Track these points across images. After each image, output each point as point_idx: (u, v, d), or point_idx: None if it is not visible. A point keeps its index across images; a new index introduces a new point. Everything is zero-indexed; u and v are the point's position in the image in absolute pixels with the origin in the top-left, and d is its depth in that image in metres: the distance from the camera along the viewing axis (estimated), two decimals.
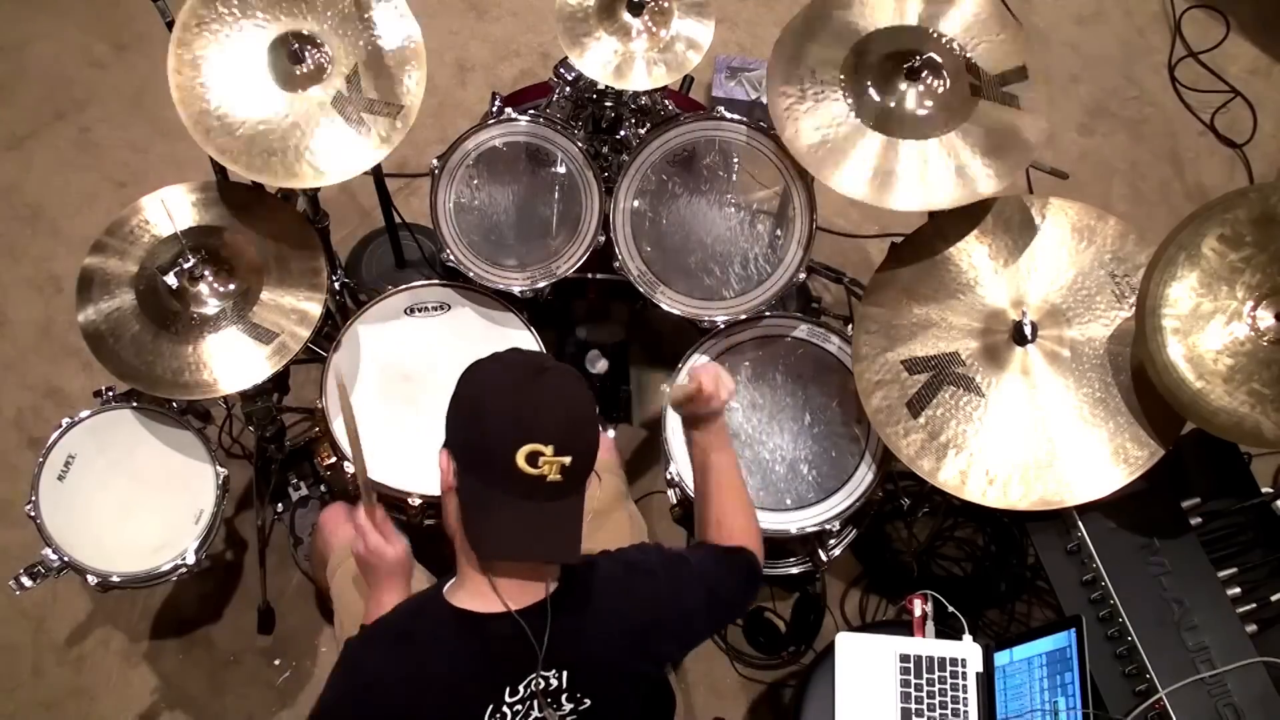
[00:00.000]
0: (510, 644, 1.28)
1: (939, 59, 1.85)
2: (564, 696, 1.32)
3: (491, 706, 1.29)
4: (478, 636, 1.29)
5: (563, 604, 1.30)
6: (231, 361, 1.87)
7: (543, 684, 1.31)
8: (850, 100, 1.86)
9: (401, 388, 2.01)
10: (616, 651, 1.36)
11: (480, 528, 1.28)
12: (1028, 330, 1.79)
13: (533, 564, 1.30)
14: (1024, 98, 1.86)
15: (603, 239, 2.05)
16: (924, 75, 1.84)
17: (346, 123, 1.86)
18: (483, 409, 1.28)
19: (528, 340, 2.07)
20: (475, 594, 1.30)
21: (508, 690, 1.29)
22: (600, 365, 2.28)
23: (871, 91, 1.86)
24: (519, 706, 1.30)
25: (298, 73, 1.88)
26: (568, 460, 1.24)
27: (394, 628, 1.35)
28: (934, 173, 1.81)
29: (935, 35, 1.89)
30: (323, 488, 2.38)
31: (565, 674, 1.32)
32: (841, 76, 1.87)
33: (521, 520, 1.26)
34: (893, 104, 1.85)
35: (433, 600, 1.34)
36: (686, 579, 1.44)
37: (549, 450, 1.23)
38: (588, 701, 1.34)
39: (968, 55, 1.87)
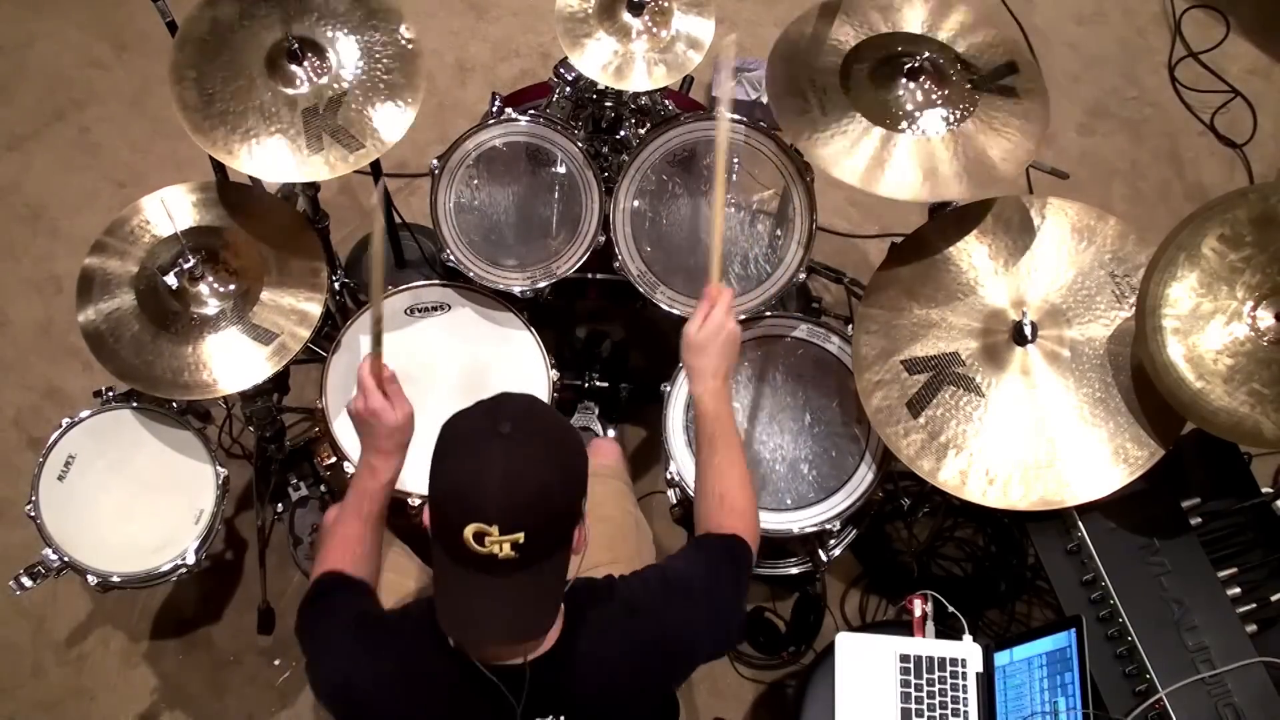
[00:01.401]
0: (499, 691, 1.26)
1: (938, 58, 1.85)
2: None
3: None
4: (469, 677, 1.26)
5: (563, 654, 1.28)
6: (231, 362, 1.87)
7: None
8: (853, 102, 1.86)
9: (401, 387, 2.00)
10: (615, 697, 1.34)
11: (439, 598, 1.24)
12: (1028, 330, 1.79)
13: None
14: (1023, 89, 1.85)
15: (603, 239, 2.05)
16: (922, 77, 1.84)
17: (301, 134, 1.85)
18: (435, 474, 1.22)
19: (528, 340, 2.07)
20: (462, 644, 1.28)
21: None
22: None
23: (871, 89, 1.86)
24: None
25: (290, 70, 1.88)
26: (519, 537, 1.17)
27: (392, 634, 1.32)
28: (933, 172, 1.81)
29: (929, 38, 1.89)
30: (323, 488, 2.38)
31: (563, 718, 1.30)
32: (840, 82, 1.87)
33: (474, 598, 1.20)
34: (892, 101, 1.85)
35: (429, 627, 1.28)
36: (690, 610, 1.38)
37: (494, 530, 1.16)
38: None
39: (959, 53, 1.87)
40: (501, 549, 1.17)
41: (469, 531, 1.16)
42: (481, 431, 1.21)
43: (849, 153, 1.81)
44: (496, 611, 1.21)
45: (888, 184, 1.79)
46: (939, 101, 1.84)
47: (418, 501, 1.90)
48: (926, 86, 1.84)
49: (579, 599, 1.33)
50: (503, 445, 1.19)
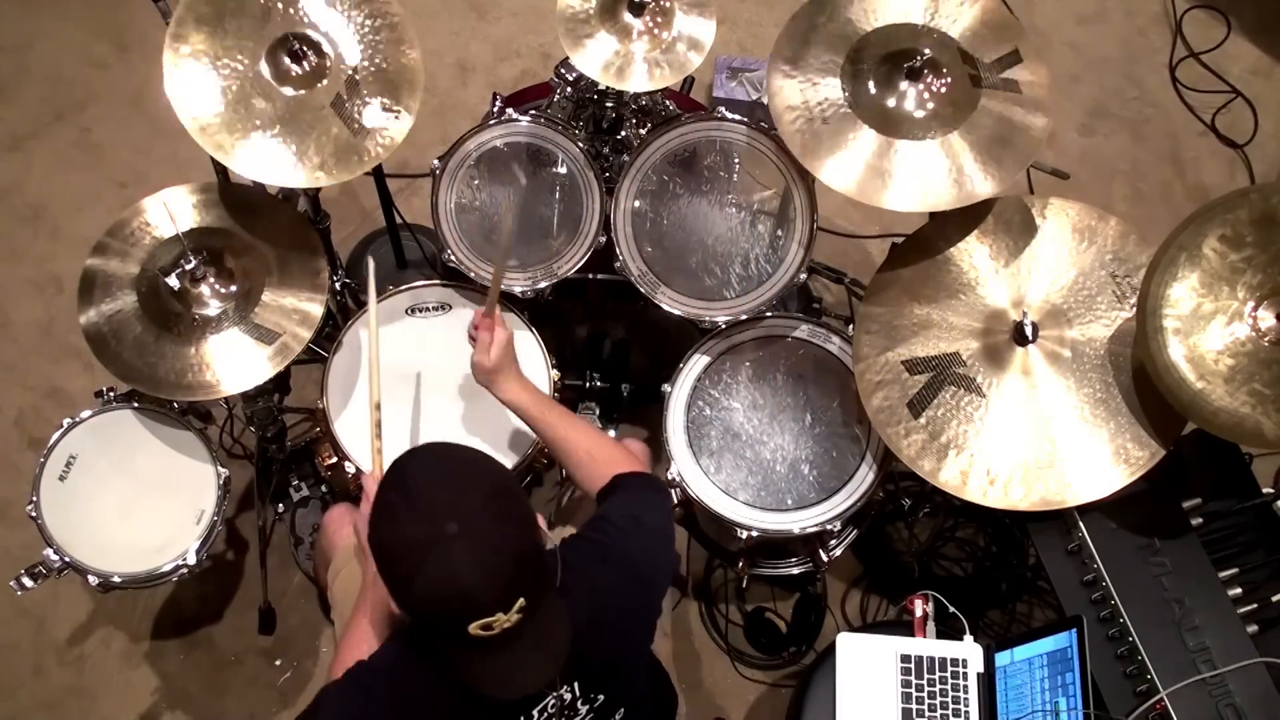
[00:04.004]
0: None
1: (938, 56, 1.85)
2: (579, 703, 1.34)
3: None
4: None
5: (547, 628, 1.29)
6: (233, 362, 1.87)
7: (556, 703, 1.32)
8: (848, 92, 1.86)
9: (402, 388, 2.01)
10: (614, 644, 1.37)
11: (469, 675, 1.25)
12: (1028, 331, 1.79)
13: None
14: (1025, 83, 1.85)
15: (604, 239, 2.05)
16: (925, 75, 1.84)
17: (344, 127, 1.85)
18: (411, 594, 1.19)
19: (529, 340, 2.07)
20: None
21: (522, 718, 1.31)
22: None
23: (871, 89, 1.86)
24: None
25: (295, 72, 1.88)
26: (520, 603, 1.18)
27: (392, 682, 1.31)
28: (934, 173, 1.81)
29: (931, 29, 1.89)
30: (324, 488, 2.39)
31: (576, 684, 1.33)
32: (842, 67, 1.87)
33: (504, 664, 1.22)
34: (892, 103, 1.85)
35: (427, 658, 1.29)
36: (646, 539, 1.44)
37: (498, 615, 1.17)
38: (601, 697, 1.35)
39: (961, 46, 1.86)
40: (510, 622, 1.18)
41: (475, 628, 1.17)
42: (428, 542, 1.17)
43: (851, 164, 1.82)
44: (533, 662, 1.24)
45: (893, 196, 1.80)
46: (941, 102, 1.83)
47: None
48: (928, 81, 1.84)
49: (567, 586, 1.35)
50: (460, 546, 1.16)
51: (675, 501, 1.56)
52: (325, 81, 1.87)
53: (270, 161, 1.82)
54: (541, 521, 1.28)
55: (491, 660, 1.22)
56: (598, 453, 1.60)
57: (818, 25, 1.90)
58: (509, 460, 1.98)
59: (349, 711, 1.28)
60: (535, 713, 1.30)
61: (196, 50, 1.83)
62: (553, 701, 1.31)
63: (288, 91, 1.85)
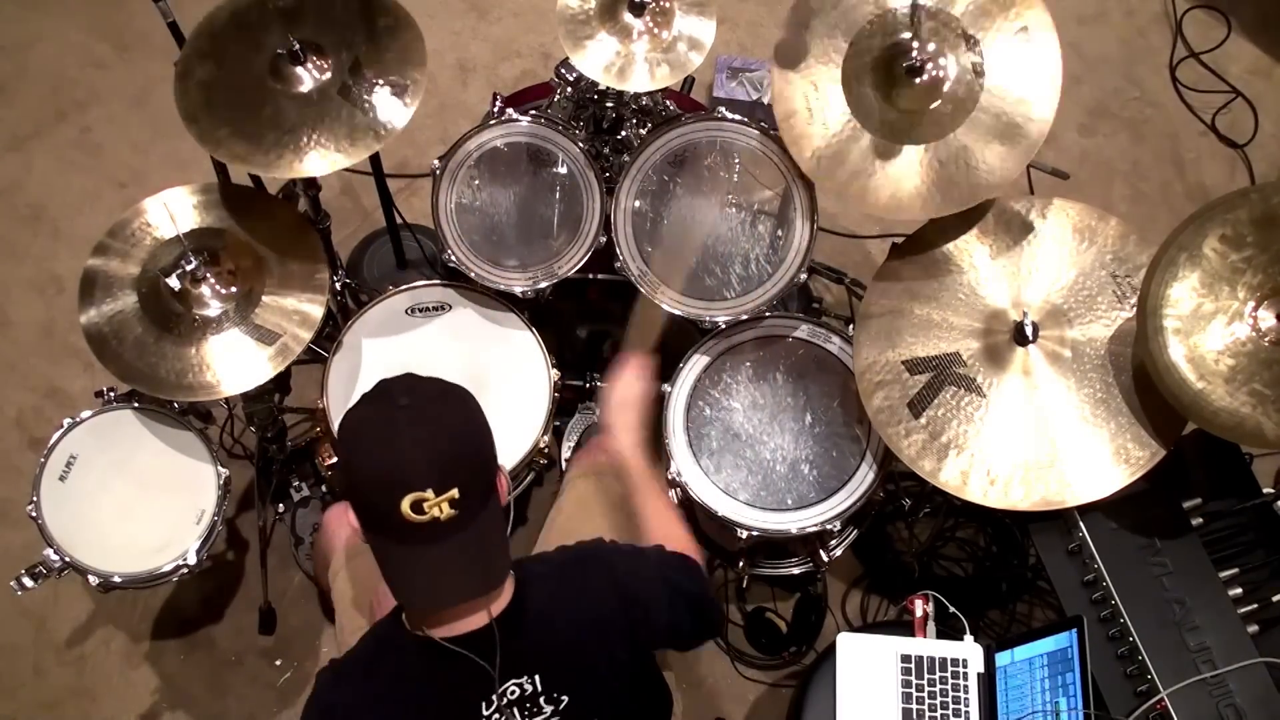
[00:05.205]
0: (473, 664, 1.27)
1: (936, 48, 1.84)
2: (542, 699, 1.32)
3: None
4: (441, 661, 1.27)
5: (518, 610, 1.30)
6: (234, 363, 1.88)
7: (517, 692, 1.31)
8: (849, 95, 1.85)
9: None
10: (580, 644, 1.36)
11: (397, 582, 1.25)
12: (1029, 331, 1.79)
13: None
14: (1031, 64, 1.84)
15: (604, 239, 2.05)
16: (924, 70, 1.83)
17: (354, 107, 1.86)
18: (352, 468, 1.25)
19: (529, 340, 2.07)
20: (429, 623, 1.29)
21: (483, 705, 1.30)
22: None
23: (871, 96, 1.86)
24: (497, 716, 1.30)
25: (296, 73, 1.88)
26: (455, 493, 1.19)
27: (361, 661, 1.34)
28: (936, 176, 1.81)
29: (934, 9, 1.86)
30: (324, 488, 2.38)
31: (537, 677, 1.31)
32: (843, 67, 1.86)
33: (432, 567, 1.22)
34: (893, 107, 1.84)
35: (395, 628, 1.32)
36: (643, 569, 1.42)
37: (430, 494, 1.18)
38: (565, 698, 1.33)
39: (966, 29, 1.84)
40: (442, 510, 1.19)
41: (406, 504, 1.18)
42: (380, 413, 1.24)
43: (853, 168, 1.82)
44: (456, 572, 1.23)
45: (894, 199, 1.79)
46: (941, 101, 1.83)
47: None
48: (928, 77, 1.83)
49: (526, 564, 1.37)
50: (406, 415, 1.22)
51: (704, 583, 1.53)
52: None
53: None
54: (503, 479, 1.31)
55: (422, 561, 1.22)
56: (673, 538, 1.54)
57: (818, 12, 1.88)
58: (508, 460, 1.98)
59: (331, 689, 1.33)
60: (494, 697, 1.29)
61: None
62: (513, 689, 1.30)
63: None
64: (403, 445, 1.20)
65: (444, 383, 1.31)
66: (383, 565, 1.26)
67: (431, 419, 1.24)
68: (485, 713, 1.30)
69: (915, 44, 1.80)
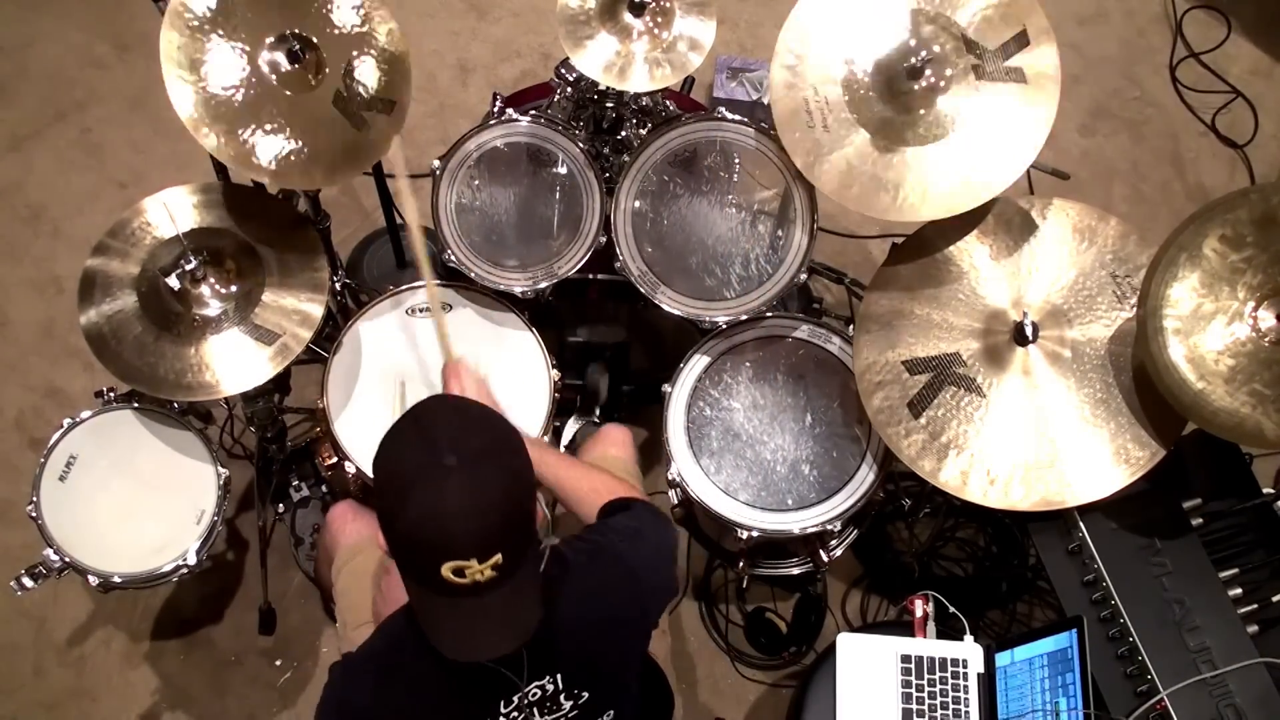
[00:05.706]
0: (494, 669, 1.27)
1: (938, 48, 1.84)
2: (562, 696, 1.33)
3: None
4: (461, 663, 1.26)
5: (543, 621, 1.28)
6: (234, 363, 1.87)
7: (539, 693, 1.31)
8: (849, 97, 1.85)
9: (402, 388, 2.01)
10: (600, 640, 1.36)
11: (428, 625, 1.23)
12: (1029, 331, 1.79)
13: None
14: (1030, 72, 1.84)
15: (604, 239, 2.05)
16: (925, 71, 1.83)
17: (349, 121, 1.85)
18: (393, 524, 1.19)
19: (528, 340, 2.07)
20: None
21: (502, 703, 1.30)
22: (602, 385, 2.29)
23: (875, 101, 1.85)
24: (516, 715, 1.30)
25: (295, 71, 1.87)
26: (497, 559, 1.16)
27: (380, 658, 1.33)
28: (937, 178, 1.81)
29: (934, 14, 1.87)
30: (324, 488, 2.38)
31: (559, 676, 1.32)
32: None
33: (467, 620, 1.20)
34: (894, 111, 1.84)
35: (408, 627, 1.29)
36: (640, 546, 1.43)
37: (472, 562, 1.15)
38: (586, 694, 1.34)
39: (966, 32, 1.85)
40: (483, 574, 1.16)
41: (447, 570, 1.15)
42: (426, 468, 1.17)
43: (852, 172, 1.82)
44: (494, 628, 1.21)
45: (894, 203, 1.79)
46: (942, 102, 1.83)
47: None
48: (929, 80, 1.83)
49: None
50: (455, 480, 1.16)
51: (675, 532, 1.56)
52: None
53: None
54: (542, 507, 1.28)
55: (455, 614, 1.20)
56: (603, 487, 1.57)
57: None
58: None
59: (346, 686, 1.33)
60: (516, 698, 1.30)
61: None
62: (534, 690, 1.30)
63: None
64: (447, 514, 1.15)
65: (489, 425, 1.25)
66: (415, 604, 1.25)
67: (480, 486, 1.17)
68: (504, 709, 1.30)
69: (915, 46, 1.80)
